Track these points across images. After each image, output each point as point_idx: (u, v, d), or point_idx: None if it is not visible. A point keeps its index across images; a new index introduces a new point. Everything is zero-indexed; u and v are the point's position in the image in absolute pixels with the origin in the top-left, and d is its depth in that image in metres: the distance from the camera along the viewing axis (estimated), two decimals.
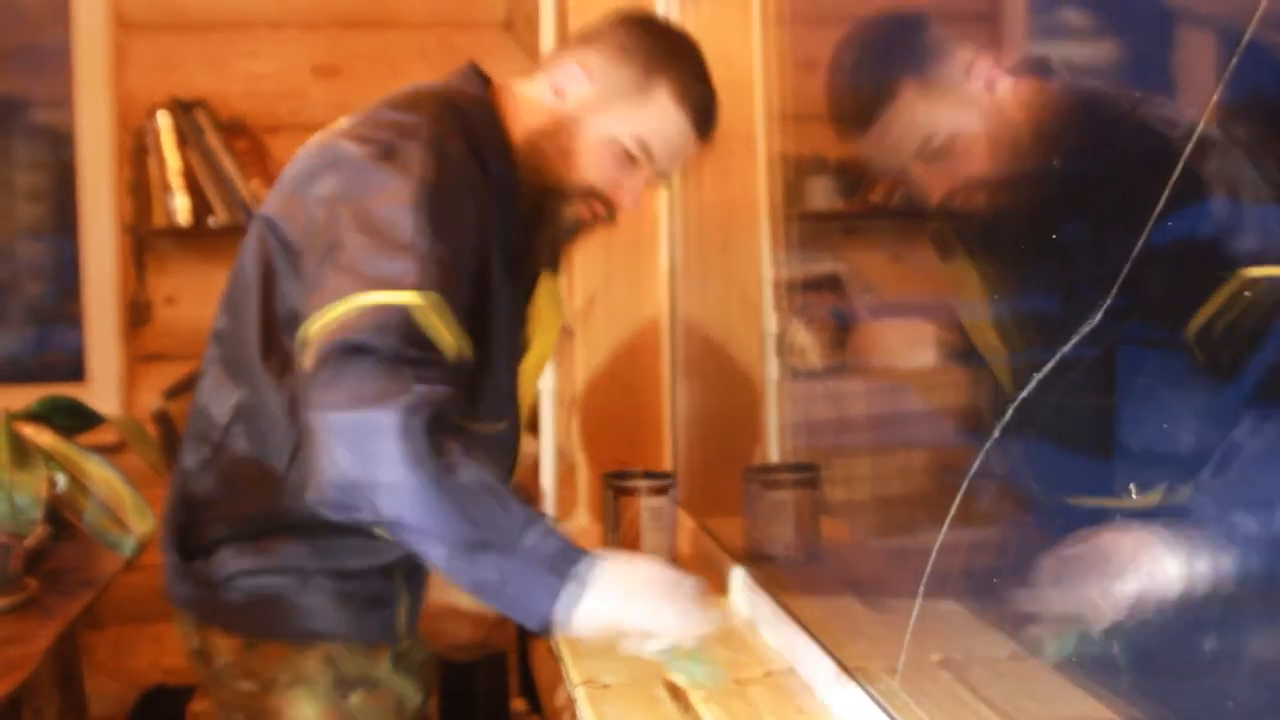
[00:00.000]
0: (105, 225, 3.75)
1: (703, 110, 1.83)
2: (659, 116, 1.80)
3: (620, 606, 1.53)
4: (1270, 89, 1.99)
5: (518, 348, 1.88)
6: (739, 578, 2.11)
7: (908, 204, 1.88)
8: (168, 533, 1.88)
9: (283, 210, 1.76)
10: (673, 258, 2.72)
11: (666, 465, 2.67)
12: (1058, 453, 1.81)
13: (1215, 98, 1.48)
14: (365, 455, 1.48)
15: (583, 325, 2.77)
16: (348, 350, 1.51)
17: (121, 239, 3.77)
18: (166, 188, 3.67)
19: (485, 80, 1.87)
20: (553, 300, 1.98)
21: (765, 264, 2.62)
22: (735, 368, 2.66)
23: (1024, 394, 1.43)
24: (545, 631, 1.54)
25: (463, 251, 1.65)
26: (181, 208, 3.66)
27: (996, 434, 1.45)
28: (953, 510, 1.83)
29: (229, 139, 3.68)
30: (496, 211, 1.74)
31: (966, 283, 1.91)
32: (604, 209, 1.85)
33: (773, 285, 2.66)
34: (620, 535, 2.26)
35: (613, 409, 2.74)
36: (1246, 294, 1.51)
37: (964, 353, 2.13)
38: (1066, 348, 1.41)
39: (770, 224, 2.66)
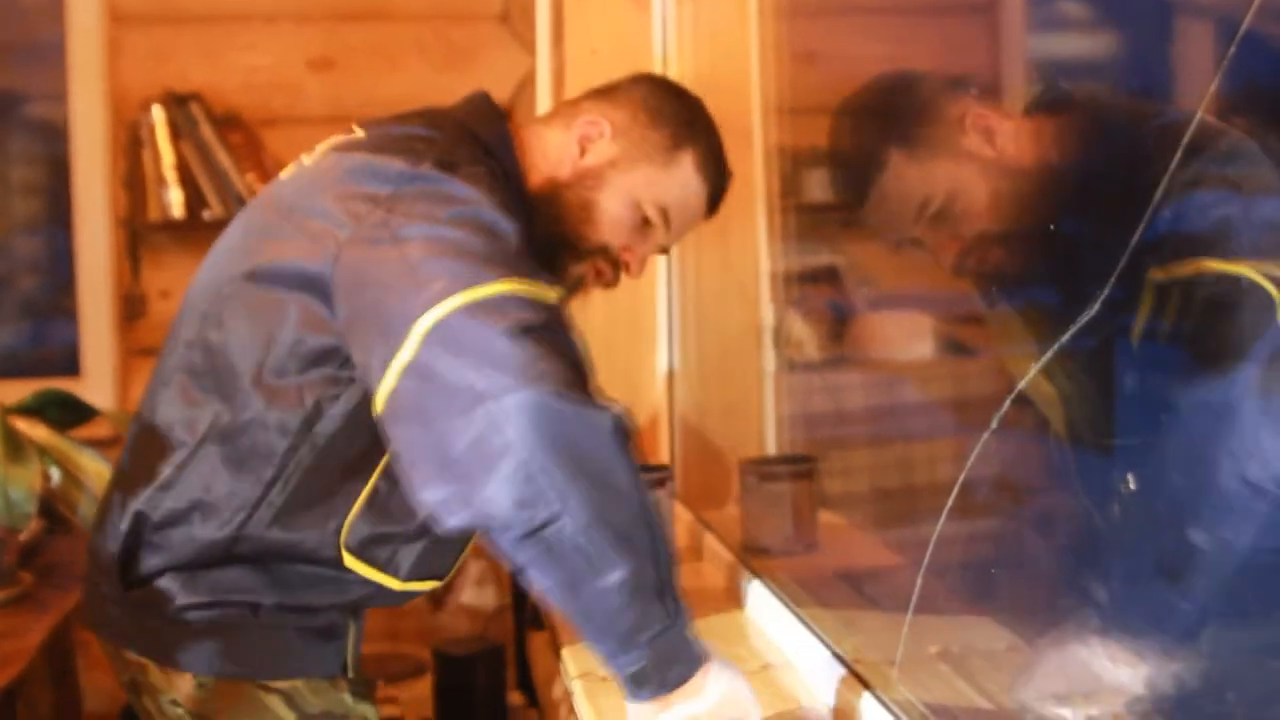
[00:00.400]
0: (99, 219, 3.74)
1: (719, 185, 1.84)
2: (683, 184, 1.79)
3: (720, 702, 1.42)
4: (1268, 79, 1.98)
5: None
6: (715, 552, 2.11)
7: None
8: (102, 558, 1.69)
9: (300, 222, 1.61)
10: (669, 249, 2.72)
11: (663, 458, 2.67)
12: (1053, 443, 1.80)
13: (1213, 87, 1.48)
14: (589, 444, 1.36)
15: (578, 316, 2.76)
16: (538, 330, 1.40)
17: (116, 233, 3.76)
18: (161, 181, 3.65)
19: (501, 114, 1.81)
20: None
21: (762, 256, 2.62)
22: (732, 360, 2.66)
23: (1022, 384, 1.42)
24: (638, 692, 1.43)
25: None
26: (176, 201, 3.65)
27: (994, 425, 1.44)
28: (949, 502, 1.82)
29: (224, 132, 3.66)
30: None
31: (1010, 329, 1.82)
32: (609, 271, 1.81)
33: (770, 277, 2.66)
34: None
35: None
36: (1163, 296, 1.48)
37: (961, 346, 2.13)
38: (1065, 337, 1.41)
39: (767, 216, 2.65)
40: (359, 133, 1.73)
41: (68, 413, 2.44)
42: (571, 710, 1.85)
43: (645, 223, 1.78)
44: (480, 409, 1.34)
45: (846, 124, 1.81)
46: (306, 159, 1.75)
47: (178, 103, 3.66)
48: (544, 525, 1.34)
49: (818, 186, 3.50)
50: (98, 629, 1.74)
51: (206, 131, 3.65)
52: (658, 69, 2.68)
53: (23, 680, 2.24)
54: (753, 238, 2.63)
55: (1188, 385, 1.47)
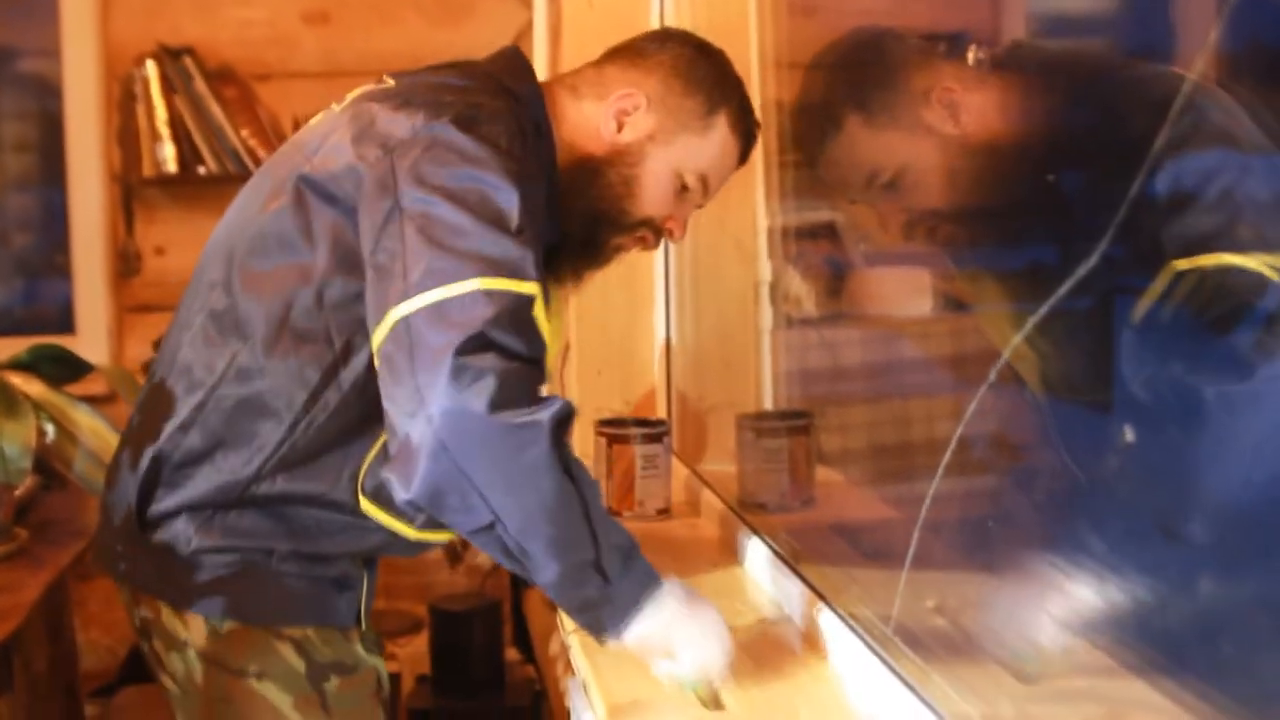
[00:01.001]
0: (93, 175, 3.73)
1: (752, 137, 1.81)
2: (720, 148, 1.77)
3: (668, 630, 1.52)
4: (1268, 34, 1.97)
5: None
6: (712, 507, 2.11)
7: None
8: (119, 498, 1.72)
9: (333, 167, 1.62)
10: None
11: (660, 413, 2.67)
12: (1050, 401, 1.80)
13: (1213, 38, 1.47)
14: (503, 467, 1.43)
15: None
16: (485, 345, 1.44)
17: (110, 188, 3.75)
18: (155, 136, 3.64)
19: (531, 70, 1.79)
20: (557, 309, 1.84)
21: (760, 212, 2.61)
22: (729, 315, 2.65)
23: (1016, 341, 1.42)
24: (602, 641, 1.53)
25: (537, 235, 1.58)
26: (170, 157, 3.64)
27: (992, 377, 1.44)
28: (946, 457, 1.82)
29: (218, 87, 3.65)
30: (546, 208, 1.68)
31: (983, 287, 1.86)
32: (652, 238, 1.81)
33: (767, 233, 2.65)
34: (614, 483, 2.25)
35: (606, 356, 2.73)
36: (1178, 286, 1.48)
37: (959, 303, 2.12)
38: (1062, 290, 1.40)
39: (765, 172, 2.64)
40: (390, 82, 1.72)
41: (62, 368, 2.43)
42: (568, 666, 1.85)
43: (685, 189, 1.77)
44: (421, 413, 1.42)
45: (811, 77, 1.80)
46: (336, 106, 1.75)
47: (171, 57, 3.64)
48: (483, 529, 1.46)
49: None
50: (112, 572, 1.76)
51: (200, 86, 3.63)
52: (654, 21, 2.66)
53: (18, 636, 2.24)
54: (750, 193, 2.62)
55: (1197, 364, 1.49)
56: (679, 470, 2.44)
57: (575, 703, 1.95)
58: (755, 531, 2.03)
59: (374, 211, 1.54)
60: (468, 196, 1.51)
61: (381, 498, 1.65)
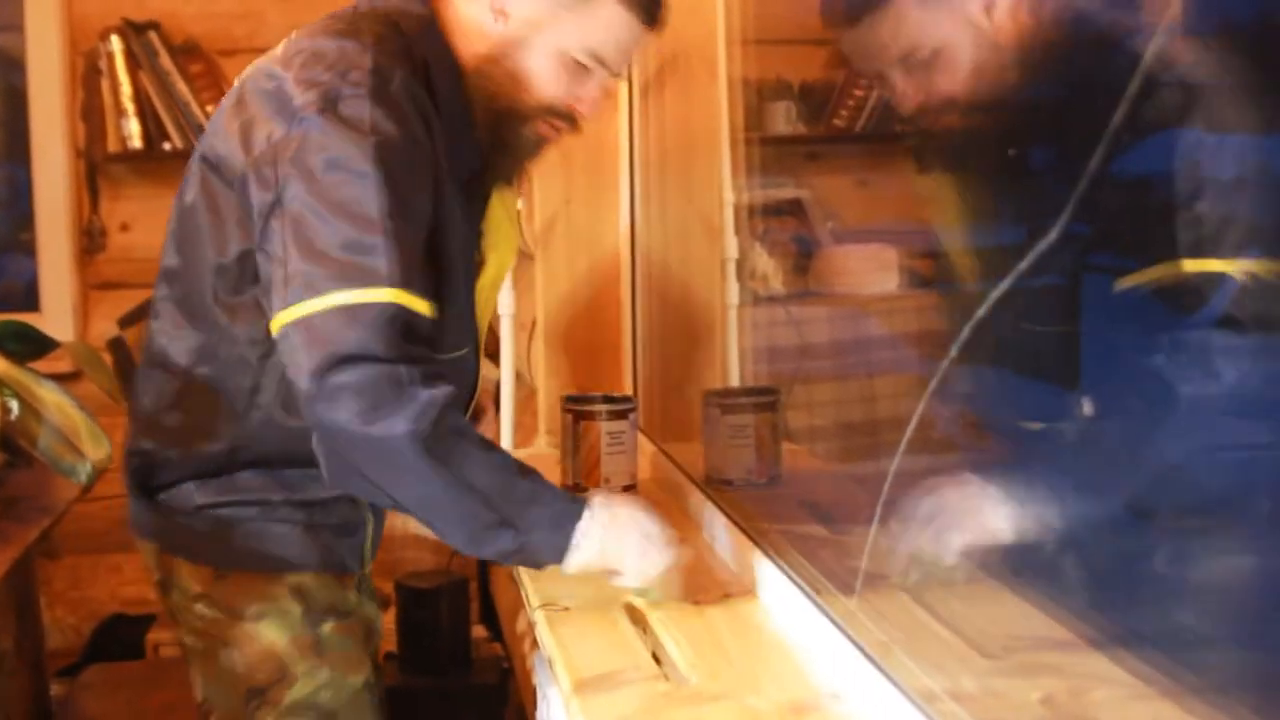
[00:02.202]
0: (57, 150, 3.70)
1: (652, 4, 1.76)
2: (607, 22, 1.72)
3: (602, 552, 1.64)
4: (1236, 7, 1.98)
5: (473, 267, 1.84)
6: (678, 483, 2.11)
7: (873, 129, 1.86)
8: (129, 470, 1.85)
9: (223, 150, 1.71)
10: (633, 181, 2.70)
11: (626, 389, 2.67)
12: (1014, 378, 1.81)
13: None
14: (381, 470, 1.57)
15: (542, 248, 2.75)
16: (341, 361, 1.53)
17: (74, 164, 3.72)
18: (120, 112, 3.62)
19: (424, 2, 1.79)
20: (509, 215, 1.95)
21: (726, 188, 2.61)
22: (696, 292, 2.65)
23: (980, 313, 1.42)
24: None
25: (421, 202, 1.65)
26: (134, 132, 3.61)
27: (954, 352, 1.44)
28: (908, 433, 1.83)
29: (183, 62, 3.62)
30: (448, 139, 1.72)
31: (942, 200, 1.88)
32: (564, 123, 1.79)
33: (734, 210, 2.65)
34: (580, 459, 2.26)
35: (573, 332, 2.73)
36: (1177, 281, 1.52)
37: (926, 279, 2.13)
38: (1023, 265, 1.41)
39: (731, 148, 2.64)
40: (277, 50, 1.78)
41: (27, 345, 2.42)
42: (534, 642, 1.85)
43: (581, 68, 1.74)
44: (309, 419, 1.58)
45: None
46: (236, 81, 1.83)
47: (136, 32, 3.61)
48: (392, 507, 1.64)
49: (783, 119, 3.49)
50: (138, 532, 1.88)
51: (165, 61, 3.61)
52: None
53: None
54: (716, 170, 2.62)
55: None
56: (645, 447, 2.45)
57: (541, 678, 1.95)
58: (720, 507, 2.03)
59: (259, 202, 1.62)
60: (334, 195, 1.57)
61: None
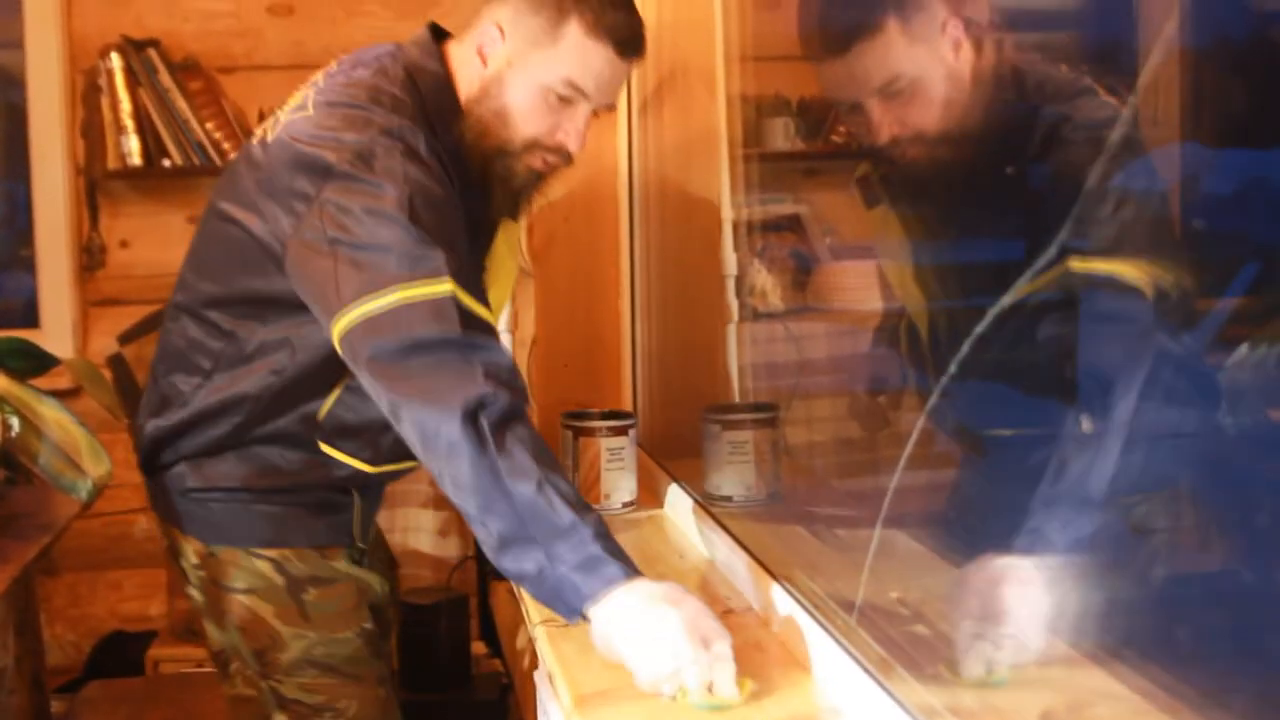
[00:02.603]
0: (57, 167, 3.70)
1: (622, 34, 1.85)
2: (578, 54, 1.83)
3: (625, 640, 1.54)
4: (1232, 30, 1.99)
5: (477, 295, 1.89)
6: (677, 500, 2.12)
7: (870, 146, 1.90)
8: (138, 450, 2.08)
9: (252, 209, 1.87)
10: (632, 197, 2.71)
11: (626, 406, 2.67)
12: (993, 390, 1.83)
13: (1172, 32, 1.49)
14: (435, 446, 1.65)
15: (541, 265, 2.75)
16: (413, 347, 1.67)
17: (74, 181, 3.73)
18: (119, 129, 3.62)
19: (439, 47, 1.93)
20: (510, 248, 2.05)
21: (725, 204, 2.61)
22: (695, 308, 2.66)
23: (979, 329, 1.43)
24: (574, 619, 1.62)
25: (452, 238, 1.76)
26: (134, 149, 3.61)
27: (953, 369, 1.45)
28: (907, 449, 1.84)
29: (182, 79, 3.63)
30: (457, 184, 1.83)
31: (889, 230, 2.00)
32: (555, 156, 1.90)
33: (733, 226, 2.66)
34: (580, 476, 2.26)
35: (572, 349, 2.73)
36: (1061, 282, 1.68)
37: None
38: (1022, 281, 1.42)
39: (730, 164, 2.64)
40: (309, 99, 1.89)
41: (27, 361, 2.42)
42: (535, 659, 1.86)
43: (562, 101, 1.85)
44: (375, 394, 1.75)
45: None
46: (282, 114, 1.92)
47: (136, 49, 3.62)
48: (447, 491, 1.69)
49: (782, 135, 3.50)
50: (150, 505, 2.11)
51: (165, 78, 3.61)
52: None
53: None
54: (715, 186, 2.62)
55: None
56: (645, 463, 2.45)
57: (542, 694, 1.95)
58: (720, 524, 2.03)
59: (306, 259, 1.79)
60: (376, 224, 1.73)
61: (336, 440, 1.97)
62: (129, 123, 3.61)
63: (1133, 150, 1.67)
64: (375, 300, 1.69)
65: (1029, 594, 1.49)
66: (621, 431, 2.27)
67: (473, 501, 1.62)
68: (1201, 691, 1.32)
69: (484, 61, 1.88)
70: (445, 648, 3.19)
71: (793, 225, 3.36)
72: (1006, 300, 1.60)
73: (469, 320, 1.69)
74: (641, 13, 2.63)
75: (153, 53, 3.63)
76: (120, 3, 3.70)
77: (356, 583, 2.05)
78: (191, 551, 2.03)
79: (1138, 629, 1.49)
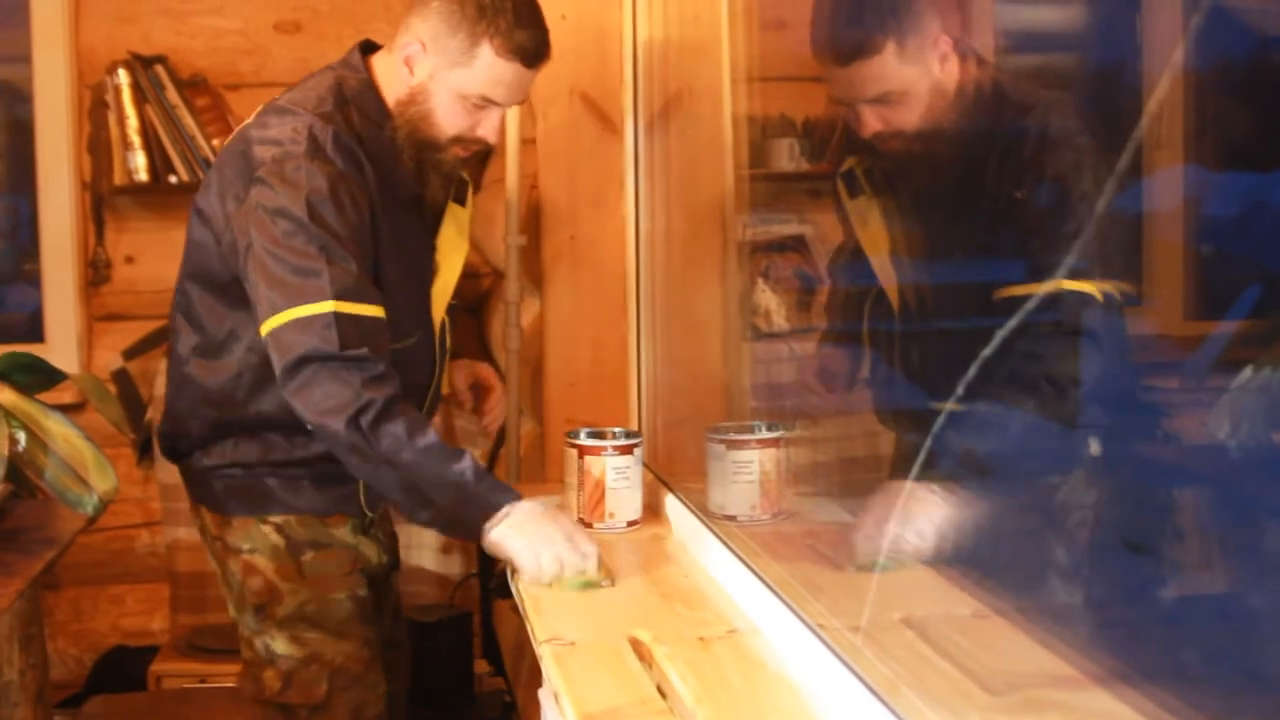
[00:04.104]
0: (63, 183, 3.71)
1: (527, 52, 2.16)
2: (491, 73, 2.15)
3: (518, 545, 2.05)
4: (1236, 50, 2.00)
5: (427, 273, 2.31)
6: (682, 519, 2.12)
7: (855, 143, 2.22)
8: (162, 445, 2.40)
9: (208, 206, 2.23)
10: (638, 216, 2.72)
11: (632, 424, 2.68)
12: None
13: (1179, 56, 1.50)
14: (335, 447, 2.10)
15: (547, 284, 2.76)
16: (300, 361, 2.05)
17: (80, 197, 3.73)
18: (126, 145, 3.63)
19: (365, 57, 2.27)
20: (459, 230, 2.37)
21: (730, 224, 2.62)
22: (701, 328, 2.66)
23: (986, 351, 1.44)
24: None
25: (354, 229, 2.12)
26: (140, 165, 3.62)
27: (961, 390, 1.46)
28: (915, 470, 1.84)
29: (190, 96, 3.64)
30: (381, 174, 2.18)
31: (869, 217, 2.26)
32: (476, 145, 2.25)
33: (738, 246, 2.67)
34: (585, 495, 2.27)
35: (578, 368, 2.74)
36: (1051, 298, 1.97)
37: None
38: (1031, 303, 1.43)
39: (735, 184, 2.65)
40: (264, 109, 2.25)
41: (34, 376, 2.43)
42: (539, 678, 1.86)
43: (476, 107, 2.19)
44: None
45: (851, 5, 2.16)
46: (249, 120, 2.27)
47: (143, 65, 3.63)
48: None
49: (786, 156, 3.50)
50: (183, 487, 2.42)
51: (172, 95, 3.62)
52: (627, 35, 2.68)
53: None
54: (720, 206, 2.63)
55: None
56: (650, 481, 2.45)
57: (547, 713, 1.96)
58: (725, 543, 2.04)
59: (240, 246, 2.14)
60: (282, 238, 2.08)
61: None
62: (136, 139, 3.62)
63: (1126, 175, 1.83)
64: (274, 320, 2.08)
65: (914, 507, 1.92)
66: (627, 450, 2.27)
67: (374, 482, 2.14)
68: (1206, 713, 1.33)
69: (410, 71, 2.19)
70: (448, 665, 3.18)
71: (797, 245, 3.37)
72: (1013, 323, 1.65)
73: (354, 326, 2.06)
74: (647, 34, 2.66)
75: (160, 69, 3.63)
76: (128, 19, 3.71)
77: (354, 550, 2.33)
78: (212, 524, 2.33)
79: (1142, 650, 1.50)
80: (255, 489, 2.28)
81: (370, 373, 2.05)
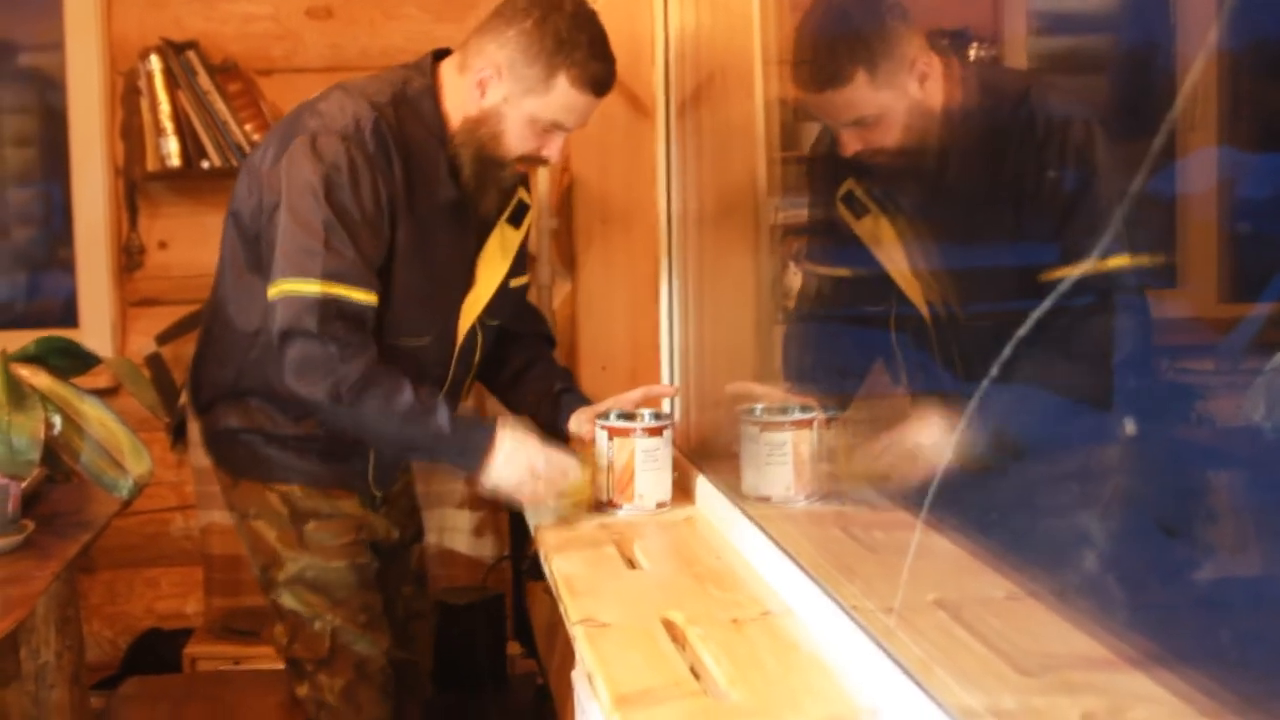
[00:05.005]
0: (96, 169, 3.73)
1: (600, 84, 2.27)
2: (564, 102, 2.25)
3: (506, 474, 2.23)
4: (1271, 32, 1.98)
5: (458, 280, 2.39)
6: (713, 501, 2.12)
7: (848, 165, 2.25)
8: (189, 394, 2.55)
9: (255, 160, 2.35)
10: (670, 200, 2.72)
11: (664, 408, 2.68)
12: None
13: (1213, 38, 1.49)
14: (320, 416, 2.30)
15: (580, 268, 2.77)
16: (284, 335, 2.18)
17: (113, 183, 3.75)
18: (159, 131, 3.65)
19: (425, 70, 2.34)
20: (503, 249, 2.44)
21: (762, 207, 2.62)
22: (732, 311, 2.66)
23: (1021, 332, 1.43)
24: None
25: (366, 215, 2.22)
26: (173, 151, 3.64)
27: (994, 373, 1.45)
28: (948, 455, 1.84)
29: (221, 81, 3.65)
30: (414, 175, 2.27)
31: (881, 234, 2.29)
32: (536, 164, 2.38)
33: (769, 229, 2.66)
34: (614, 476, 2.27)
35: (611, 351, 2.74)
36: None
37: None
38: (1063, 286, 1.43)
39: (767, 168, 2.65)
40: (331, 86, 2.36)
41: (70, 360, 2.44)
42: (572, 659, 1.87)
43: (545, 131, 2.28)
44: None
45: (824, 29, 2.22)
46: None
47: (175, 51, 3.65)
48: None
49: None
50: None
51: (204, 80, 3.64)
52: (659, 18, 2.68)
53: (26, 627, 2.25)
54: (752, 189, 2.63)
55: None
56: (682, 464, 2.46)
57: (580, 694, 1.96)
58: (758, 525, 2.04)
59: (269, 204, 2.27)
60: (297, 206, 2.21)
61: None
62: (168, 124, 3.64)
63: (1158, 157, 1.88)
64: (272, 289, 2.21)
65: (921, 427, 2.10)
66: (657, 432, 2.28)
67: (364, 439, 2.32)
68: (1243, 696, 1.32)
69: (483, 94, 2.27)
70: (481, 648, 3.20)
71: (829, 228, 3.35)
72: (1047, 304, 1.63)
73: (337, 307, 2.17)
74: (678, 17, 2.66)
75: (192, 55, 3.65)
76: (159, 5, 3.73)
77: (358, 521, 2.45)
78: (224, 485, 2.48)
79: (1178, 632, 1.49)
80: (264, 457, 2.41)
81: (347, 348, 2.17)
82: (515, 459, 2.23)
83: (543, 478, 2.24)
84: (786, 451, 2.22)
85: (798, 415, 2.25)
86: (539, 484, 2.24)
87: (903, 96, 2.12)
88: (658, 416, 2.34)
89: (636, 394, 2.42)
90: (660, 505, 2.30)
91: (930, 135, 2.14)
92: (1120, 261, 2.01)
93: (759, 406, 2.28)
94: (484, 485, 2.26)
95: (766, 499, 2.22)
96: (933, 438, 2.07)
